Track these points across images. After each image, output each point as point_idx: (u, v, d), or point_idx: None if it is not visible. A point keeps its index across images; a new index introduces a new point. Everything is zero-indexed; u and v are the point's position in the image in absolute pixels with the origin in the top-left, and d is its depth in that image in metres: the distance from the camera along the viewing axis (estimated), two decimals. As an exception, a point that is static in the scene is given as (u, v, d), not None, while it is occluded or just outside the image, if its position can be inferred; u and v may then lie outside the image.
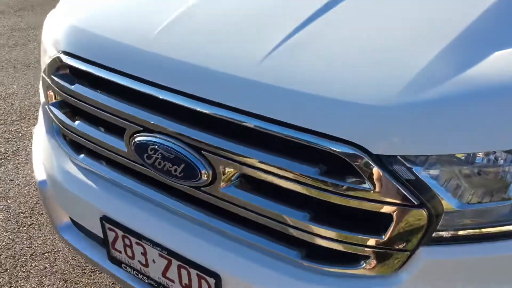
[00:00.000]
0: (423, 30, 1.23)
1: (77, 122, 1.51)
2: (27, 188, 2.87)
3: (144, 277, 1.47)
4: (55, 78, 1.52)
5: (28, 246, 2.47)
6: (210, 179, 1.25)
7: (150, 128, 1.31)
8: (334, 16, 1.28)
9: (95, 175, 1.52)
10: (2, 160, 3.12)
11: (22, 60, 4.60)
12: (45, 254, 2.42)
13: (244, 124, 1.18)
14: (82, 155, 1.54)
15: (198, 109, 1.23)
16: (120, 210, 1.43)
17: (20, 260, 2.39)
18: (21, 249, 2.45)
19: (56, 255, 2.41)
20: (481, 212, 1.12)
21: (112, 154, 1.44)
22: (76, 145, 1.58)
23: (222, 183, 1.25)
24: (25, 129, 3.46)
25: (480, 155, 1.08)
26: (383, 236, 1.12)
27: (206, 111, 1.22)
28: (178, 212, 1.37)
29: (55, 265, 2.36)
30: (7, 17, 5.73)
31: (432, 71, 1.12)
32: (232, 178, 1.25)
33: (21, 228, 2.59)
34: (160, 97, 1.29)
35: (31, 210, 2.69)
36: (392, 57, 1.16)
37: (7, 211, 2.69)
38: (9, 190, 2.86)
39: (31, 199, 2.78)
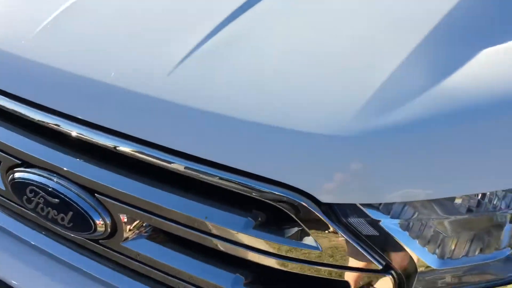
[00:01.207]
0: (383, 27, 0.92)
1: None
2: None
3: None
4: None
5: None
6: (109, 230, 0.93)
7: (29, 162, 0.98)
8: (264, 13, 0.96)
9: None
10: None
11: None
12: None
13: (149, 160, 0.86)
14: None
15: (88, 138, 0.91)
16: (2, 265, 1.10)
17: None
18: None
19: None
20: (468, 270, 0.83)
21: (-12, 192, 1.10)
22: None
23: (124, 236, 0.93)
24: None
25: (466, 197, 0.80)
26: (338, 310, 0.83)
27: (98, 142, 0.90)
28: (78, 269, 1.05)
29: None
30: None
31: (399, 84, 0.82)
32: (138, 230, 0.94)
33: None
34: (38, 120, 0.95)
35: None
36: (342, 67, 0.85)
37: None
38: None
39: None
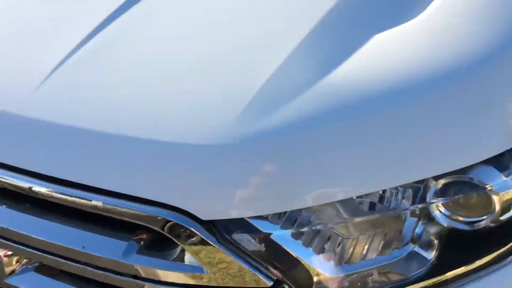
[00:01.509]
0: (267, 22, 0.87)
1: None
2: None
3: None
4: None
5: None
6: (-11, 266, 0.86)
7: None
8: (137, 18, 0.89)
9: None
10: None
11: None
12: None
13: (18, 186, 0.79)
14: None
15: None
16: None
17: None
18: None
19: None
20: (369, 273, 0.79)
21: None
22: None
23: (7, 271, 0.86)
24: None
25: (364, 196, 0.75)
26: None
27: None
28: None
29: None
30: None
31: (282, 82, 0.76)
32: (25, 262, 0.86)
33: None
34: None
35: None
36: (221, 69, 0.79)
37: None
38: None
39: None
